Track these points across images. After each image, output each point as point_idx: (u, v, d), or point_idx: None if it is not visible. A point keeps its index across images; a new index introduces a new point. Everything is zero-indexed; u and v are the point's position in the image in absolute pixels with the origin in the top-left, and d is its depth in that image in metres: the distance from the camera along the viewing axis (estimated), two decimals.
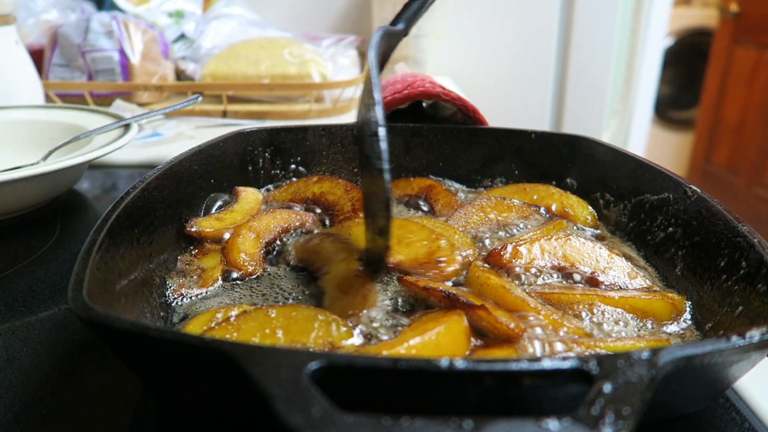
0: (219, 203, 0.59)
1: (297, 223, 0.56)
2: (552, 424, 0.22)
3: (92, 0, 1.45)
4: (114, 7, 1.37)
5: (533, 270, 0.48)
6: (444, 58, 1.62)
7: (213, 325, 0.38)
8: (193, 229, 0.52)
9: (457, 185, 0.69)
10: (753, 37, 2.94)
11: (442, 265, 0.46)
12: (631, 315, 0.42)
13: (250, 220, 0.55)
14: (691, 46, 3.62)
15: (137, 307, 0.40)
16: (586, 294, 0.43)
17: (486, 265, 0.48)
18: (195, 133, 1.06)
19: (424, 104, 0.74)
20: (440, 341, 0.35)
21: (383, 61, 0.53)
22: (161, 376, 0.32)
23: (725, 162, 3.20)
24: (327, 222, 0.58)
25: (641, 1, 1.90)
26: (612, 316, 0.42)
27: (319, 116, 1.20)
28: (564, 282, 0.47)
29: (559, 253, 0.49)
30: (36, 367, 0.41)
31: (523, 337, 0.37)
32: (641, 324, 0.42)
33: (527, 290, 0.44)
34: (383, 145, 0.36)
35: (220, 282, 0.47)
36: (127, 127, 0.76)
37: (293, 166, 0.68)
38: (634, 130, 2.14)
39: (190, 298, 0.45)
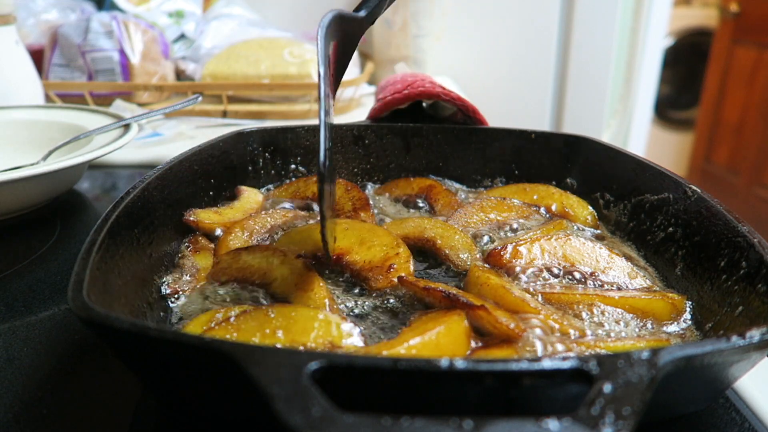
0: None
1: (292, 223, 0.56)
2: (552, 424, 0.22)
3: (92, 0, 1.45)
4: (114, 7, 1.37)
5: (533, 270, 0.48)
6: (444, 58, 1.62)
7: (213, 325, 0.38)
8: (191, 218, 0.53)
9: (457, 185, 0.69)
10: (753, 37, 2.94)
11: (392, 271, 0.47)
12: (631, 315, 0.42)
13: (246, 218, 0.55)
14: (691, 46, 3.62)
15: (137, 307, 0.40)
16: (586, 294, 0.43)
17: (486, 265, 0.48)
18: (195, 133, 1.06)
19: (424, 104, 0.74)
20: (440, 341, 0.35)
21: (345, 52, 0.49)
22: (161, 376, 0.32)
23: (725, 162, 3.20)
24: None
25: (641, 1, 1.90)
26: (612, 316, 0.42)
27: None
28: (564, 282, 0.47)
29: (559, 253, 0.48)
30: (36, 367, 0.41)
31: (523, 337, 0.37)
32: (641, 324, 0.42)
33: (527, 290, 0.44)
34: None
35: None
36: (127, 127, 0.76)
37: (293, 166, 0.68)
38: (634, 130, 2.14)
39: (185, 297, 0.45)
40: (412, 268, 0.48)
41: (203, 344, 0.26)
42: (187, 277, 0.47)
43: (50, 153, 0.74)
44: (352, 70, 1.36)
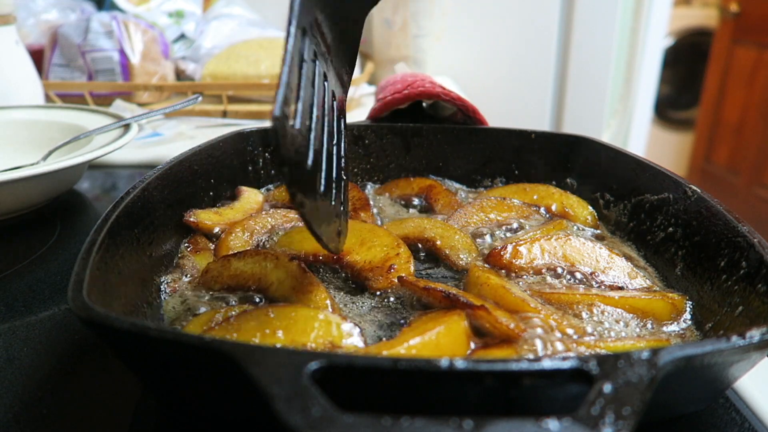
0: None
1: (291, 223, 0.56)
2: (552, 424, 0.22)
3: (92, 0, 1.45)
4: (114, 7, 1.37)
5: (533, 270, 0.48)
6: (444, 58, 1.62)
7: (213, 325, 0.38)
8: (191, 219, 0.53)
9: (457, 185, 0.69)
10: (753, 37, 2.94)
11: (392, 272, 0.46)
12: (631, 315, 0.42)
13: (246, 219, 0.55)
14: (691, 46, 3.62)
15: (137, 307, 0.40)
16: (586, 294, 0.43)
17: (486, 265, 0.48)
18: (195, 133, 1.06)
19: (424, 104, 0.74)
20: (440, 341, 0.35)
21: (345, 31, 0.43)
22: (161, 376, 0.32)
23: (725, 162, 3.20)
24: None
25: (641, 1, 1.90)
26: (612, 316, 0.42)
27: None
28: (564, 282, 0.47)
29: (559, 253, 0.48)
30: (36, 367, 0.41)
31: (523, 337, 0.37)
32: (641, 324, 0.42)
33: (527, 290, 0.44)
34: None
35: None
36: (127, 127, 0.76)
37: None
38: (634, 130, 2.14)
39: (184, 297, 0.45)
40: (412, 268, 0.48)
41: (203, 344, 0.26)
42: (187, 278, 0.47)
43: (50, 153, 0.74)
44: None
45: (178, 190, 0.53)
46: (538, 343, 0.37)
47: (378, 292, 0.45)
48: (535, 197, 0.61)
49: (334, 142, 0.43)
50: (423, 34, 1.52)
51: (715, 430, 0.35)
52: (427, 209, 0.63)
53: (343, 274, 0.48)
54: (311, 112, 0.37)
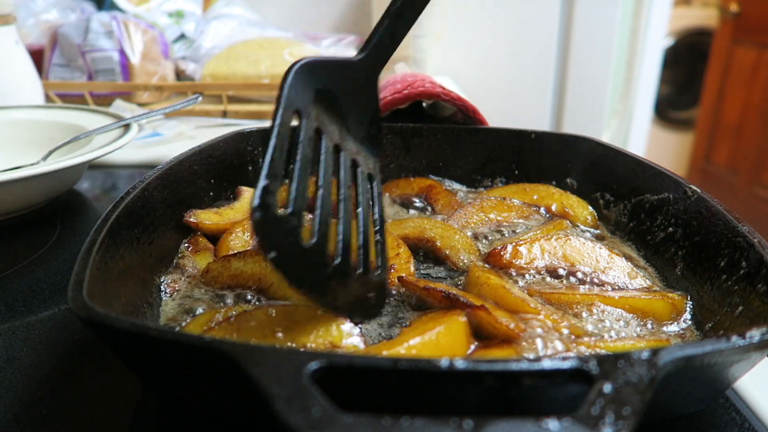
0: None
1: None
2: (552, 424, 0.22)
3: (92, 0, 1.45)
4: (114, 7, 1.37)
5: (533, 270, 0.48)
6: (444, 58, 1.62)
7: (213, 325, 0.38)
8: (191, 219, 0.53)
9: (457, 185, 0.69)
10: (753, 37, 2.94)
11: (392, 272, 0.46)
12: (631, 315, 0.42)
13: (246, 219, 0.55)
14: (690, 46, 3.62)
15: (137, 307, 0.40)
16: (586, 294, 0.43)
17: (486, 265, 0.48)
18: (195, 133, 1.06)
19: (424, 104, 0.74)
20: (440, 341, 0.35)
21: (353, 103, 0.42)
22: (161, 376, 0.32)
23: (725, 162, 3.20)
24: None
25: (641, 1, 1.90)
26: (612, 316, 0.42)
27: None
28: (564, 282, 0.47)
29: (559, 253, 0.48)
30: (36, 367, 0.41)
31: (523, 337, 0.37)
32: (641, 324, 0.42)
33: (527, 290, 0.44)
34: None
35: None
36: (127, 127, 0.76)
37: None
38: (634, 130, 2.14)
39: (184, 297, 0.45)
40: (412, 268, 0.48)
41: (203, 344, 0.26)
42: (187, 278, 0.47)
43: (50, 153, 0.74)
44: None
45: (178, 190, 0.53)
46: (538, 343, 0.37)
47: None
48: (535, 197, 0.61)
49: (359, 209, 0.41)
50: (423, 34, 1.52)
51: (715, 430, 0.35)
52: (427, 209, 0.63)
53: None
54: (318, 189, 0.38)
